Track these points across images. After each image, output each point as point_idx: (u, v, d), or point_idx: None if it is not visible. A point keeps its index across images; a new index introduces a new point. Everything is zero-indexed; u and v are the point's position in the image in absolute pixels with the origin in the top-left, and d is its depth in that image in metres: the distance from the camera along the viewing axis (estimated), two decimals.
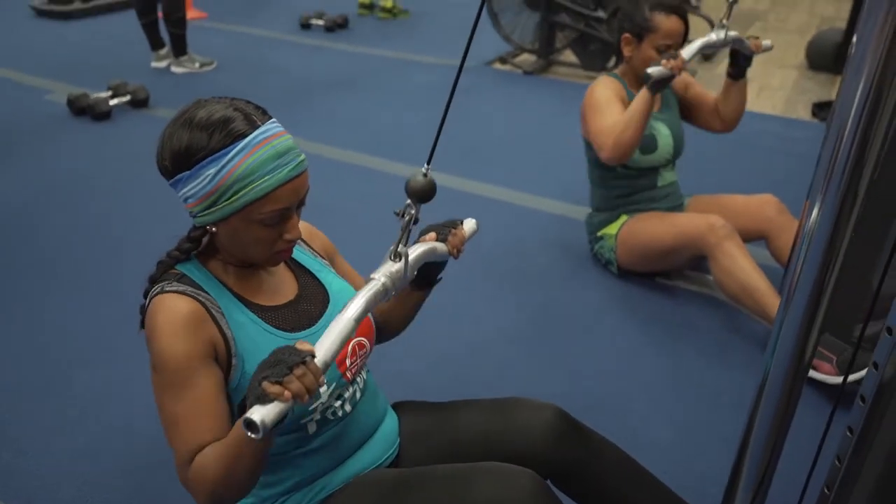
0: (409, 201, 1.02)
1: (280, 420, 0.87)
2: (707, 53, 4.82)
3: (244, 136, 1.01)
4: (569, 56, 4.74)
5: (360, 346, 1.21)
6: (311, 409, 1.14)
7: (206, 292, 1.09)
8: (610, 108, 2.22)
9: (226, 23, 5.69)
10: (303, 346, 0.89)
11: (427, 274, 1.29)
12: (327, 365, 0.92)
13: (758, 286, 2.02)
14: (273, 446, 1.00)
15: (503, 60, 4.77)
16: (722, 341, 2.16)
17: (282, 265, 1.22)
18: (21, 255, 2.56)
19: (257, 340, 1.11)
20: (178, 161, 1.02)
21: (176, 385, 1.04)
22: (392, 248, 1.06)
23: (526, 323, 2.25)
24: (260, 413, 0.85)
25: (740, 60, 2.28)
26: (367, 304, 0.99)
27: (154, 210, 2.77)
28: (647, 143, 2.27)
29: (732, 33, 2.17)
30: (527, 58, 4.76)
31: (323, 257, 1.31)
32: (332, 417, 1.19)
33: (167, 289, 1.07)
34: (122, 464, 1.70)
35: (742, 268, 2.05)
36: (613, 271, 2.44)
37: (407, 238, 1.06)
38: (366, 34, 5.44)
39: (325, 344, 0.93)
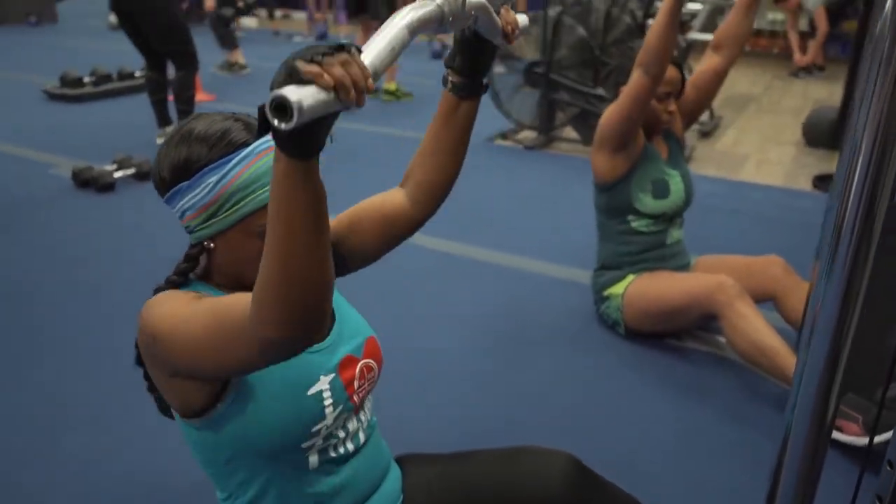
0: None
1: (319, 115, 0.64)
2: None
3: (246, 144, 0.98)
4: (569, 132, 4.83)
5: (368, 368, 1.13)
6: (314, 430, 1.03)
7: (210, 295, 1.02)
8: None
9: (233, 103, 5.83)
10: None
11: (473, 62, 1.06)
12: (377, 71, 0.70)
13: (772, 345, 1.96)
14: (318, 195, 0.73)
15: (504, 136, 4.85)
16: (736, 401, 2.07)
17: None
18: (16, 320, 2.51)
19: None
20: (177, 172, 0.98)
21: (182, 313, 0.89)
22: None
23: (531, 383, 2.17)
24: (297, 92, 0.61)
25: None
26: (419, 18, 0.80)
27: (153, 278, 2.73)
28: (660, 188, 2.26)
29: None
30: (528, 134, 4.84)
31: None
32: (334, 454, 1.09)
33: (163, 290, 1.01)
34: None
35: (755, 327, 1.99)
36: (620, 332, 2.38)
37: None
38: (369, 114, 5.55)
39: (372, 46, 0.73)
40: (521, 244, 3.16)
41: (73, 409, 2.02)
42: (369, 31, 5.84)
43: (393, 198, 1.18)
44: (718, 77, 2.32)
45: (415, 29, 0.78)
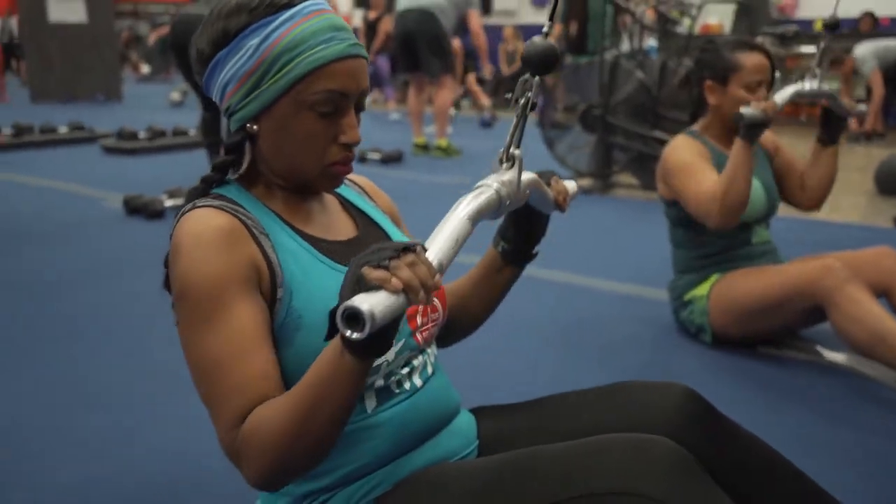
0: (525, 76, 0.82)
1: (390, 321, 0.64)
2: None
3: (292, 4, 0.85)
4: (627, 177, 4.68)
5: (432, 307, 0.97)
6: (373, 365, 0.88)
7: (248, 211, 0.88)
8: (701, 168, 2.00)
9: None
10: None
11: (527, 234, 1.07)
12: (443, 267, 0.71)
13: (894, 330, 1.70)
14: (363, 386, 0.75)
15: None
16: (847, 407, 1.80)
17: (338, 207, 1.01)
18: (54, 316, 2.40)
19: (309, 271, 0.87)
20: (217, 43, 0.87)
21: (209, 316, 0.81)
22: (503, 150, 0.85)
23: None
24: (368, 301, 0.62)
25: (831, 122, 2.09)
26: (479, 208, 0.80)
27: None
28: None
29: (826, 86, 2.01)
30: (585, 181, 4.70)
31: (386, 214, 1.09)
32: (397, 390, 0.92)
33: (199, 204, 0.87)
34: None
35: (872, 312, 1.73)
36: (706, 340, 2.12)
37: (521, 135, 0.85)
38: (421, 166, 5.52)
39: (436, 242, 0.73)
40: (587, 267, 2.97)
41: (96, 391, 1.86)
42: (421, 91, 5.87)
43: None
44: (801, 202, 2.22)
45: (475, 219, 0.79)
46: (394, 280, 0.64)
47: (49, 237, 3.36)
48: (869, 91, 7.21)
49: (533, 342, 2.22)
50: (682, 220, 2.14)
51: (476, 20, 5.79)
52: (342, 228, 0.98)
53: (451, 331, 1.11)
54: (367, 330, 0.61)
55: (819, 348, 2.07)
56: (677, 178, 2.04)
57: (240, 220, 0.86)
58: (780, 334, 2.09)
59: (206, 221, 0.84)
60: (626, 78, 4.41)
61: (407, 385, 0.93)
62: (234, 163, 0.92)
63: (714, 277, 2.10)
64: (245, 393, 0.79)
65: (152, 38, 13.69)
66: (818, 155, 2.13)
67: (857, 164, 6.01)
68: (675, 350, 2.14)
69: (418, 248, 0.68)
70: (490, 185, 0.83)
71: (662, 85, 4.44)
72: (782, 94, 1.96)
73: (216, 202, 0.88)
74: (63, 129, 6.32)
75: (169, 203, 3.71)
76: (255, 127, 0.88)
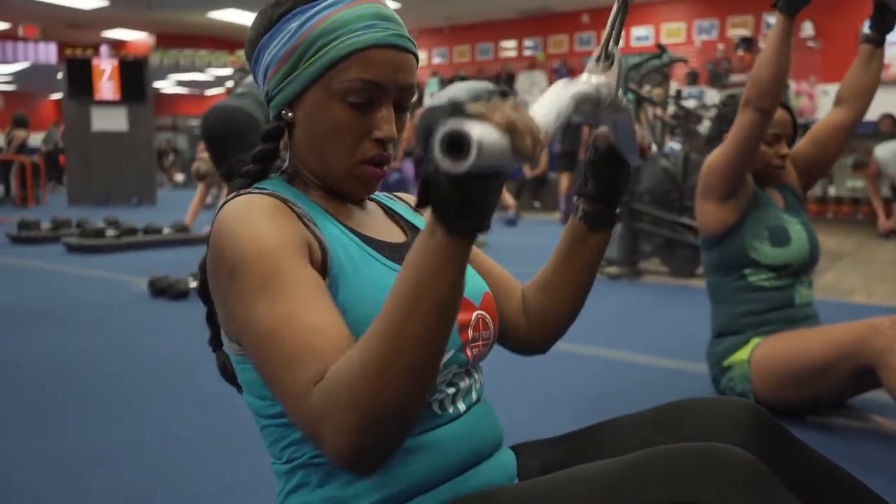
0: None
1: (495, 162, 0.54)
2: None
3: None
4: (655, 265, 4.61)
5: (484, 324, 0.89)
6: None
7: (293, 201, 0.83)
8: None
9: None
10: None
11: (609, 186, 0.94)
12: (547, 133, 0.61)
13: None
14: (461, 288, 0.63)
15: None
16: None
17: (382, 213, 0.96)
18: (80, 385, 2.35)
19: (359, 263, 0.81)
20: (262, 28, 0.85)
21: (272, 280, 0.72)
22: (600, 48, 0.77)
23: None
24: (473, 126, 0.52)
25: (886, 17, 1.91)
26: (580, 91, 0.70)
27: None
28: (778, 234, 1.99)
29: None
30: (613, 268, 4.65)
31: None
32: (439, 411, 0.84)
33: (242, 192, 0.82)
34: None
35: None
36: None
37: (620, 30, 0.77)
38: None
39: (536, 107, 0.63)
40: (619, 341, 2.87)
41: (110, 455, 1.77)
42: None
43: (517, 308, 1.03)
44: (840, 133, 2.09)
45: (577, 101, 0.70)
46: (497, 114, 0.55)
47: (74, 317, 3.37)
48: (895, 190, 7.20)
49: (565, 414, 2.11)
50: (722, 263, 2.08)
51: None
52: (390, 232, 0.92)
53: (545, 326, 1.01)
54: (472, 157, 0.50)
55: (873, 416, 1.94)
56: (710, 159, 2.00)
57: (287, 205, 0.81)
58: (828, 404, 1.96)
59: (251, 199, 0.79)
60: (650, 166, 4.45)
61: (451, 409, 0.85)
62: (272, 153, 0.87)
63: (755, 341, 2.00)
64: (315, 351, 0.67)
65: (199, 153, 14.10)
66: (869, 56, 1.98)
67: (888, 257, 5.92)
68: None
69: (519, 102, 0.60)
70: (587, 82, 0.72)
71: (686, 175, 4.46)
72: None
73: (260, 189, 0.83)
74: (100, 224, 6.48)
75: (193, 284, 3.71)
76: (289, 114, 0.84)
